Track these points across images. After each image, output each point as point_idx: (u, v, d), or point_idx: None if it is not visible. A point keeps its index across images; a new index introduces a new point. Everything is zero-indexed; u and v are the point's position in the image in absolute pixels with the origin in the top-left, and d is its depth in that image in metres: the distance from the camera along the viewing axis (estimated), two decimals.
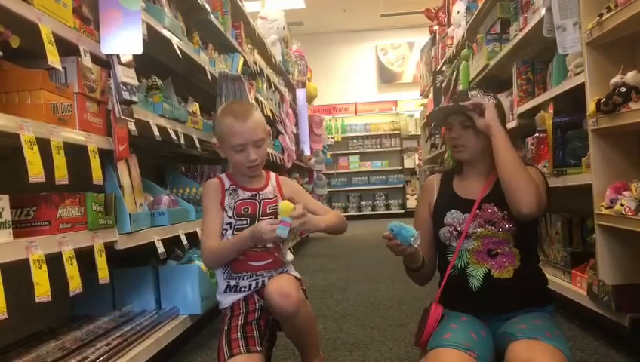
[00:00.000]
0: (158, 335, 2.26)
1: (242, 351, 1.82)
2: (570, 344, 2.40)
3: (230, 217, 1.96)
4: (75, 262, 1.66)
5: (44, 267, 1.46)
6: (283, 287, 1.84)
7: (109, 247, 2.00)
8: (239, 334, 1.87)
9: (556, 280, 2.87)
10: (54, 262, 1.58)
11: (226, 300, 1.97)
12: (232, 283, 1.96)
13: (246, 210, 1.97)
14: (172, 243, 2.68)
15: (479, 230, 1.83)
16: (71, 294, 1.66)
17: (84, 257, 1.82)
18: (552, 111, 2.91)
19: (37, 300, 1.45)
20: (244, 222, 1.94)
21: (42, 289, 1.45)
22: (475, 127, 1.84)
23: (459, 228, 1.84)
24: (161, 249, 2.36)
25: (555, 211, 3.18)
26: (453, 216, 1.87)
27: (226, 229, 1.96)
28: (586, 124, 2.45)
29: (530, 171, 1.82)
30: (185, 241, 2.68)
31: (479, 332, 1.72)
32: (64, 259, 1.61)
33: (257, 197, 2.00)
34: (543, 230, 3.18)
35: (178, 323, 2.47)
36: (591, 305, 2.41)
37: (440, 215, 1.90)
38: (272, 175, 2.12)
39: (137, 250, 2.29)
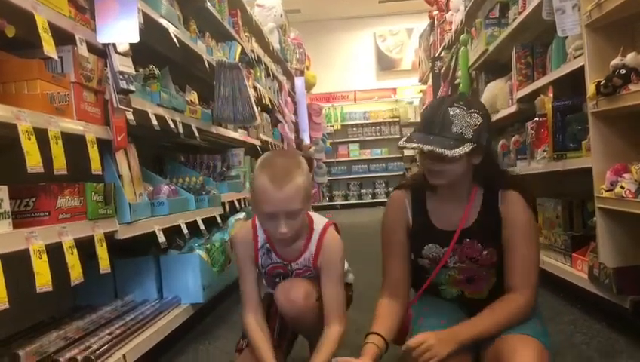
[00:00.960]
0: (161, 323, 2.27)
1: None
2: (571, 327, 2.42)
3: (262, 275, 1.91)
4: (75, 251, 1.66)
5: (45, 257, 1.46)
6: (291, 291, 1.81)
7: (110, 237, 2.00)
8: None
9: (557, 264, 2.88)
10: (55, 253, 1.58)
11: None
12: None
13: (278, 273, 1.88)
14: (173, 232, 2.68)
15: (459, 265, 1.81)
16: (72, 284, 1.66)
17: (85, 248, 1.82)
18: (551, 95, 2.91)
19: (38, 290, 1.45)
20: (277, 280, 1.89)
21: (43, 279, 1.45)
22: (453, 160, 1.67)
23: (438, 261, 1.82)
24: (161, 238, 2.36)
25: (555, 195, 3.18)
26: (432, 250, 1.82)
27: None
28: (585, 107, 2.45)
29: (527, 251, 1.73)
30: (185, 231, 2.68)
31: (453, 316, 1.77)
32: (64, 248, 1.61)
33: (289, 267, 1.87)
34: (540, 217, 3.18)
35: (180, 312, 2.48)
36: (592, 288, 2.41)
37: (417, 246, 1.84)
38: (316, 235, 1.83)
39: (138, 240, 2.29)
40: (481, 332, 1.72)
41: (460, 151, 1.63)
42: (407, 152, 11.80)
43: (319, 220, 1.87)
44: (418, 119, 10.70)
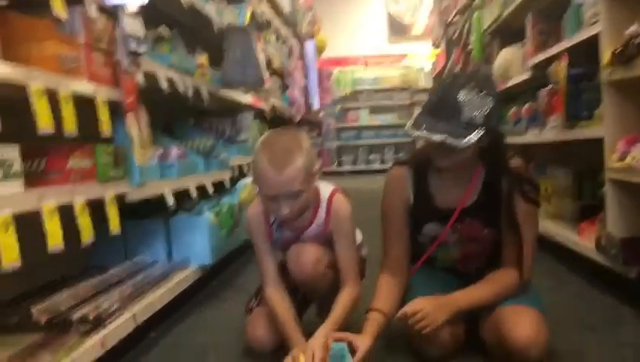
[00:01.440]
0: (170, 284, 2.30)
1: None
2: (575, 296, 2.44)
3: (275, 248, 1.93)
4: (86, 213, 1.67)
5: (57, 217, 1.48)
6: (300, 256, 1.83)
7: (120, 199, 2.01)
8: None
9: (564, 234, 2.88)
10: (65, 216, 1.59)
11: None
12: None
13: (292, 244, 1.90)
14: (182, 196, 2.70)
15: (459, 244, 1.83)
16: (83, 245, 1.68)
17: (96, 210, 1.84)
18: (566, 62, 2.86)
19: (50, 251, 1.48)
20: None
21: (55, 240, 1.47)
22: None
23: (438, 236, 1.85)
24: (171, 201, 2.38)
25: (566, 164, 3.17)
26: (432, 229, 1.83)
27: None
28: (600, 76, 2.41)
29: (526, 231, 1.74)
30: (194, 194, 2.69)
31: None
32: (76, 209, 1.63)
33: (301, 236, 1.89)
34: (549, 186, 3.17)
35: (189, 274, 2.51)
36: (598, 257, 2.41)
37: (417, 225, 1.85)
38: (323, 203, 1.85)
39: (148, 203, 2.31)
40: (478, 301, 1.75)
41: (471, 139, 1.60)
42: None
43: (325, 188, 1.88)
44: (429, 86, 10.61)
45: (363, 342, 1.62)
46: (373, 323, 1.68)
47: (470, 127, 1.60)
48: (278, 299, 1.83)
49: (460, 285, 1.81)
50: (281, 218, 1.77)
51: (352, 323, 1.79)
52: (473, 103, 1.60)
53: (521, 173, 1.77)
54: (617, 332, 1.98)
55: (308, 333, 1.73)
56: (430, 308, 1.66)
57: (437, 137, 1.60)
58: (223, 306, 2.58)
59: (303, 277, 1.84)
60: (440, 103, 1.64)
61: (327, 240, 1.88)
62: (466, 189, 1.78)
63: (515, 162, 1.78)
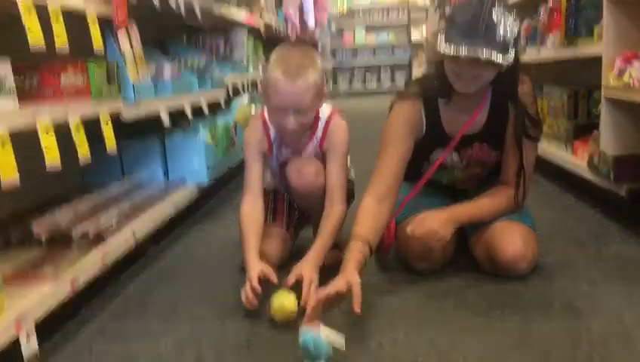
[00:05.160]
0: (168, 202, 2.34)
1: (269, 220, 1.95)
2: (566, 213, 2.49)
3: (272, 166, 1.98)
4: (82, 130, 1.67)
5: (52, 133, 1.48)
6: (302, 168, 1.86)
7: (115, 118, 2.00)
8: (270, 205, 1.99)
9: (558, 153, 2.90)
10: (61, 135, 1.59)
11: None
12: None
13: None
14: (177, 115, 2.68)
15: (466, 169, 1.87)
16: (80, 163, 1.68)
17: (90, 129, 1.83)
18: None
19: (47, 167, 1.48)
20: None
21: (52, 155, 1.47)
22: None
23: (446, 163, 1.86)
24: (166, 120, 2.37)
25: (562, 83, 3.15)
26: (439, 154, 1.84)
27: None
28: None
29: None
30: (189, 113, 2.68)
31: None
32: (71, 127, 1.62)
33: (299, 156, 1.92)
34: (545, 105, 3.16)
35: (186, 192, 2.54)
36: (590, 176, 2.45)
37: (425, 152, 1.84)
38: (322, 122, 1.86)
39: (143, 123, 2.30)
40: (479, 216, 1.79)
41: (509, 57, 1.56)
42: (413, 38, 11.50)
43: (325, 108, 1.90)
44: (427, 3, 10.32)
45: (354, 281, 1.45)
46: (357, 255, 1.55)
47: (505, 45, 1.55)
48: (250, 212, 1.83)
49: (456, 200, 1.85)
50: (286, 131, 1.78)
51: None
52: (505, 23, 1.55)
53: (526, 108, 1.75)
54: (603, 246, 2.04)
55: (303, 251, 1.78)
56: (436, 226, 1.69)
57: (484, 57, 1.53)
58: (221, 223, 2.63)
59: (304, 189, 1.87)
60: (474, 22, 1.55)
61: (322, 159, 1.91)
62: (474, 114, 1.77)
63: (523, 87, 1.75)
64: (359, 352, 1.37)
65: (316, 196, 1.88)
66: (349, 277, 1.45)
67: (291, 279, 1.62)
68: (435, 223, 1.69)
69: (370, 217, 1.65)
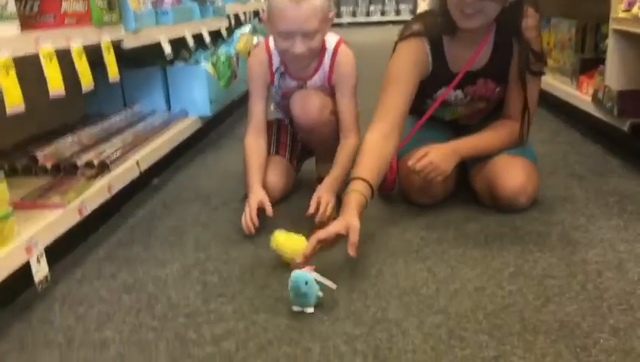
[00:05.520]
0: (171, 133, 2.34)
1: (272, 151, 1.97)
2: (568, 147, 2.50)
3: (275, 96, 1.97)
4: (84, 58, 1.65)
5: (55, 61, 1.47)
6: (306, 102, 1.85)
7: (116, 46, 1.98)
8: (273, 137, 2.00)
9: (562, 87, 2.88)
10: (63, 63, 1.57)
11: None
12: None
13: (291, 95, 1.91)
14: (178, 46, 2.65)
15: (470, 105, 1.85)
16: (83, 91, 1.68)
17: (90, 58, 1.81)
18: None
19: (51, 95, 1.48)
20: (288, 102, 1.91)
21: (55, 83, 1.46)
22: None
23: (449, 101, 1.85)
24: (167, 49, 2.34)
25: (570, 16, 3.08)
26: (444, 91, 1.82)
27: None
28: None
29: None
30: (191, 42, 2.64)
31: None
32: (73, 54, 1.61)
33: (305, 86, 1.90)
34: (552, 38, 3.10)
35: (189, 123, 2.54)
36: (594, 110, 2.44)
37: (431, 89, 1.82)
38: (328, 53, 1.85)
39: (144, 53, 2.27)
40: (482, 149, 1.79)
41: None
42: None
43: (331, 38, 1.87)
44: None
45: (353, 225, 1.43)
46: (358, 196, 1.51)
47: None
48: (254, 145, 1.88)
49: (459, 135, 1.85)
50: (294, 57, 1.76)
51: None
52: None
53: (530, 43, 1.73)
54: (604, 181, 2.06)
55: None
56: (437, 159, 1.69)
57: None
58: (224, 154, 2.64)
59: (309, 122, 1.87)
60: None
61: (329, 91, 1.89)
62: (477, 50, 1.75)
63: (527, 20, 1.71)
64: (359, 280, 1.41)
65: (320, 131, 1.88)
66: (348, 220, 1.43)
67: (313, 206, 1.66)
68: (436, 157, 1.70)
69: (375, 157, 1.63)
